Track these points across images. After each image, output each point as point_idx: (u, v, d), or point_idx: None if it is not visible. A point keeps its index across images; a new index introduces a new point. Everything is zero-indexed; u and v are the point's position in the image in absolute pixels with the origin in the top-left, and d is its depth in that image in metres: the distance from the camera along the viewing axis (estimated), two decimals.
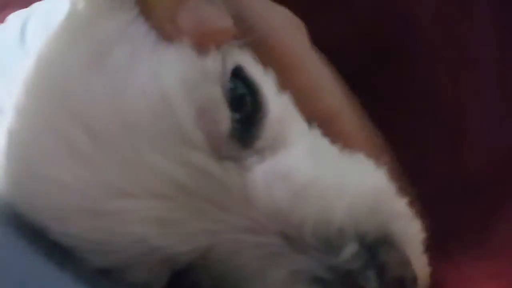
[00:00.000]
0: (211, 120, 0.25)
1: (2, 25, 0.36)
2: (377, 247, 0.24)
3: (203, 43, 0.26)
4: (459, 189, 0.36)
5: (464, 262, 0.33)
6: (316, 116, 0.29)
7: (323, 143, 0.29)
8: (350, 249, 0.24)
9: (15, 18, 0.35)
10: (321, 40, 0.32)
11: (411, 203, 0.28)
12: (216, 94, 0.25)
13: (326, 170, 0.26)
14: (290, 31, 0.30)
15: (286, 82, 0.28)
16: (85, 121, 0.24)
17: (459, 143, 0.36)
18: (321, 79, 0.30)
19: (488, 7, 0.36)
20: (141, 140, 0.24)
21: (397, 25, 0.37)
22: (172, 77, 0.25)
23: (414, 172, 0.32)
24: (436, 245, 0.29)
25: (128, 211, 0.24)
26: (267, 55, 0.29)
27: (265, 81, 0.28)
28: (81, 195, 0.24)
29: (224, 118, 0.25)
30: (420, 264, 0.26)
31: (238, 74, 0.27)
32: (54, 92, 0.25)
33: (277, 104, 0.28)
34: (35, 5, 0.33)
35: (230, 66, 0.26)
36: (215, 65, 0.26)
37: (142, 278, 0.25)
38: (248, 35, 0.28)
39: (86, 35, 0.26)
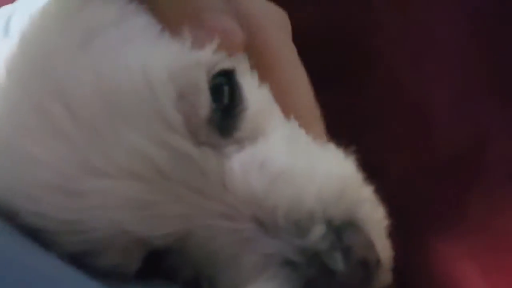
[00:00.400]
0: (191, 104, 0.25)
1: None
2: (343, 230, 0.26)
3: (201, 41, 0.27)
4: (429, 172, 0.38)
5: (439, 241, 0.35)
6: (290, 111, 0.30)
7: (299, 134, 0.30)
8: (318, 231, 0.25)
9: None
10: None
11: (376, 190, 0.29)
12: (199, 80, 0.26)
13: (299, 159, 0.27)
14: (275, 31, 0.32)
15: (264, 78, 0.30)
16: (65, 98, 0.24)
17: (425, 128, 0.38)
18: (296, 78, 0.32)
19: None
20: (121, 120, 0.24)
21: (357, 12, 0.38)
22: (158, 61, 0.25)
23: (382, 159, 0.33)
24: (409, 226, 0.31)
25: (103, 190, 0.24)
26: (250, 52, 0.30)
27: (247, 75, 0.29)
28: (55, 172, 0.24)
29: (205, 104, 0.26)
30: (384, 247, 0.28)
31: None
32: (35, 69, 0.26)
33: (257, 98, 0.29)
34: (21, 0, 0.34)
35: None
36: (206, 57, 0.26)
37: (114, 261, 0.25)
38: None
39: (74, 17, 0.27)
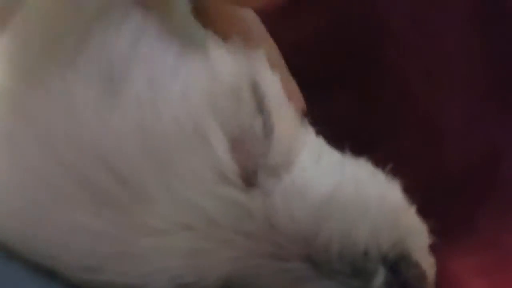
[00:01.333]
0: (246, 152, 0.24)
1: None
2: (398, 264, 0.25)
3: None
4: (439, 188, 0.37)
5: (447, 257, 0.34)
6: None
7: (325, 148, 0.28)
8: (380, 277, 0.24)
9: None
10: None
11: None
12: (255, 127, 0.25)
13: (340, 178, 0.26)
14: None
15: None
16: (108, 161, 0.22)
17: (436, 142, 0.38)
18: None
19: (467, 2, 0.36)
20: (173, 177, 0.22)
21: (369, 24, 0.38)
22: (204, 103, 0.23)
23: (391, 171, 0.33)
24: None
25: (160, 247, 0.23)
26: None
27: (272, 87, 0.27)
28: (113, 239, 0.23)
29: (262, 150, 0.25)
30: (431, 272, 0.27)
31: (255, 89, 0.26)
32: (57, 128, 0.22)
33: (283, 116, 0.27)
34: None
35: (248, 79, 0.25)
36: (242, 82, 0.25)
37: None
38: None
39: (83, 49, 0.23)
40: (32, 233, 0.23)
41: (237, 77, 0.25)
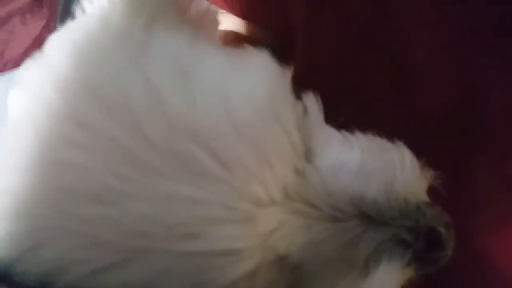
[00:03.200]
0: (303, 133, 0.28)
1: None
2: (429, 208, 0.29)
3: None
4: (420, 130, 0.38)
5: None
6: None
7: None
8: (430, 211, 0.29)
9: None
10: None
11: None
12: (301, 112, 0.29)
13: (362, 147, 0.30)
14: None
15: None
16: (199, 138, 0.25)
17: (405, 83, 0.39)
18: None
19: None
20: (267, 154, 0.26)
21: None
22: (271, 94, 0.27)
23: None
24: None
25: (259, 216, 0.26)
26: None
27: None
28: (214, 206, 0.25)
29: (308, 130, 0.29)
30: None
31: None
32: (140, 108, 0.25)
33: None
34: None
35: None
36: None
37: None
38: None
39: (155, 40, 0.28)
40: (121, 206, 0.24)
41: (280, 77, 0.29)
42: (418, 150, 0.30)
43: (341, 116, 0.31)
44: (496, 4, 0.35)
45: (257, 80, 0.27)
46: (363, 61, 0.39)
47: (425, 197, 0.30)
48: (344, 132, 0.32)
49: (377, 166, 0.29)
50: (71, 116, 0.25)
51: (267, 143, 0.26)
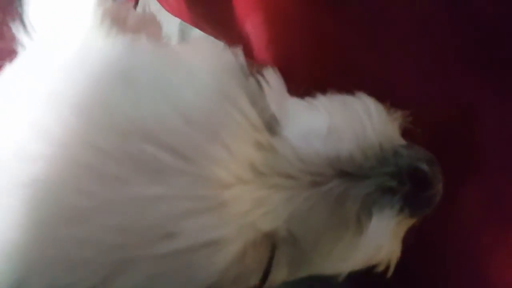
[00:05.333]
0: (259, 107, 0.28)
1: None
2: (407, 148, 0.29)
3: None
4: None
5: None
6: None
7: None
8: (405, 151, 0.28)
9: None
10: None
11: None
12: (256, 88, 0.29)
13: (328, 105, 0.30)
14: None
15: None
16: (151, 137, 0.24)
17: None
18: None
19: None
20: (223, 137, 0.25)
21: None
22: (221, 77, 0.27)
23: None
24: None
25: (236, 198, 0.25)
26: None
27: None
28: (184, 199, 0.24)
29: (266, 102, 0.28)
30: None
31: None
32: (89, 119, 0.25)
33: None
34: None
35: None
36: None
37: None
38: None
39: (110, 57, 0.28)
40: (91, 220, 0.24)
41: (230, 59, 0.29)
42: None
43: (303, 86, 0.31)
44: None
45: (199, 64, 0.27)
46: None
47: (400, 139, 0.30)
48: (307, 98, 0.31)
49: (345, 121, 0.29)
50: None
51: (219, 124, 0.25)
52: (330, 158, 0.28)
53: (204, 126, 0.25)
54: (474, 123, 0.34)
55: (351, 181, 0.27)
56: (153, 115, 0.25)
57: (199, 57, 0.28)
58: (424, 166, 0.28)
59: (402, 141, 0.30)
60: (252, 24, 0.43)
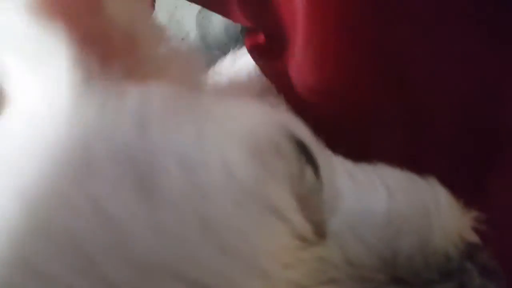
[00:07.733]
0: (313, 207, 0.23)
1: None
2: (473, 253, 0.25)
3: None
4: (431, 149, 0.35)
5: None
6: None
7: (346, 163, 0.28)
8: (473, 272, 0.24)
9: None
10: None
11: None
12: (308, 178, 0.24)
13: (383, 191, 0.25)
14: None
15: None
16: (176, 271, 0.19)
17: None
18: None
19: None
20: (257, 262, 0.21)
21: None
22: (255, 169, 0.22)
23: None
24: None
25: None
26: None
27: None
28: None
29: (322, 199, 0.24)
30: None
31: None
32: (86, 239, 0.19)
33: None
34: None
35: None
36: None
37: None
38: None
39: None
40: None
41: (270, 129, 0.24)
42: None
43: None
44: None
45: (237, 150, 0.22)
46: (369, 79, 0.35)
47: (468, 245, 0.25)
48: (363, 166, 0.26)
49: (408, 212, 0.24)
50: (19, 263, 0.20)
51: (256, 246, 0.20)
52: (383, 259, 0.23)
53: (240, 251, 0.20)
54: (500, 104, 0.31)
55: None
56: (181, 245, 0.19)
57: (237, 134, 0.22)
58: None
59: (471, 247, 0.25)
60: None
